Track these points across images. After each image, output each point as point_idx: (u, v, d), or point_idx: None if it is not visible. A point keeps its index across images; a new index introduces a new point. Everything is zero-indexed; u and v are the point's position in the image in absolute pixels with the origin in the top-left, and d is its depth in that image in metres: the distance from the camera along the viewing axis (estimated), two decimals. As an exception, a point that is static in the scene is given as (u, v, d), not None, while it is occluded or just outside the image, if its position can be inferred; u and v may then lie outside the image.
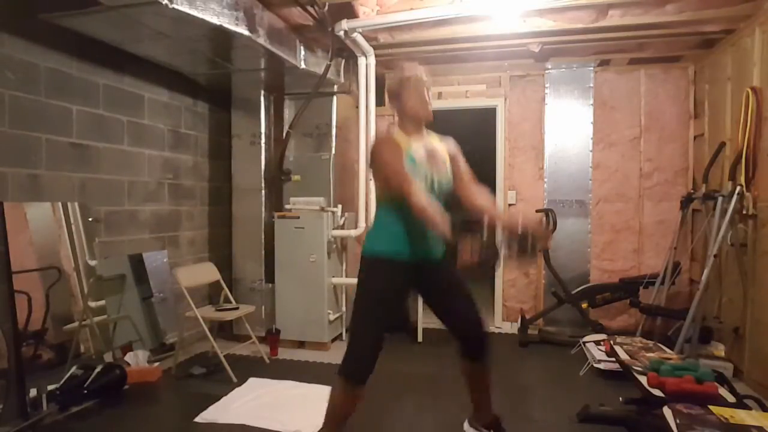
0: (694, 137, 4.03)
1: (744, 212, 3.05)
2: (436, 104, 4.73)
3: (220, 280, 3.55)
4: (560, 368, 3.38)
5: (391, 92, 2.02)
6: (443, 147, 2.03)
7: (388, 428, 2.50)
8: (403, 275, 1.93)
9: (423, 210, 1.73)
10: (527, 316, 4.09)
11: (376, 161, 1.92)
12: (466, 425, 2.25)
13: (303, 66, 3.53)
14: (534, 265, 4.35)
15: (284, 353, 3.68)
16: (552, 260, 4.00)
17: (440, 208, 1.86)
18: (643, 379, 2.32)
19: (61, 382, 2.62)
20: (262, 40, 2.99)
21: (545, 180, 4.26)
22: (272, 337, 3.68)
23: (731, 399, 2.15)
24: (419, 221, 1.81)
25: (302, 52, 3.52)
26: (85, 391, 2.64)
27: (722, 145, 3.44)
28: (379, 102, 4.37)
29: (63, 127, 2.85)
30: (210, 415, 2.59)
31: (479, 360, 2.08)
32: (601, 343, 3.27)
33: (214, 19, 2.60)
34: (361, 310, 1.93)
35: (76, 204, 2.93)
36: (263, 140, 4.00)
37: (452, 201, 1.98)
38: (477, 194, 1.99)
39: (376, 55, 3.80)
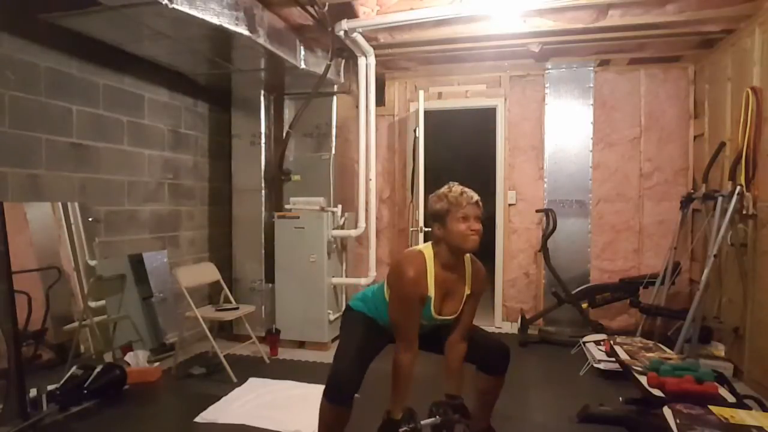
0: (694, 137, 4.03)
1: (744, 212, 3.05)
2: (436, 104, 4.77)
3: (220, 280, 3.55)
4: (560, 368, 3.38)
5: (434, 214, 1.81)
6: (470, 281, 1.90)
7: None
8: (385, 332, 1.96)
9: (398, 372, 1.78)
10: (527, 316, 4.09)
11: (396, 285, 1.82)
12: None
13: (303, 66, 3.53)
14: (534, 265, 4.35)
15: (284, 353, 3.68)
16: (552, 260, 4.00)
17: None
18: (643, 379, 2.32)
19: (61, 382, 2.62)
20: (262, 40, 2.99)
21: (545, 180, 4.26)
22: (272, 337, 3.68)
23: (731, 399, 2.15)
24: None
25: (302, 52, 3.52)
26: (85, 391, 2.64)
27: (722, 145, 3.44)
28: (379, 102, 4.37)
29: (63, 127, 2.85)
30: (210, 415, 2.59)
31: (499, 375, 2.03)
32: (601, 343, 3.26)
33: (214, 19, 2.60)
34: (345, 340, 1.97)
35: (76, 204, 2.93)
36: (263, 140, 4.00)
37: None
38: (456, 347, 1.94)
39: (376, 55, 3.80)
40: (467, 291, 1.90)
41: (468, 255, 1.90)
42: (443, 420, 1.78)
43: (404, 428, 1.72)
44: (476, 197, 1.80)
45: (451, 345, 1.94)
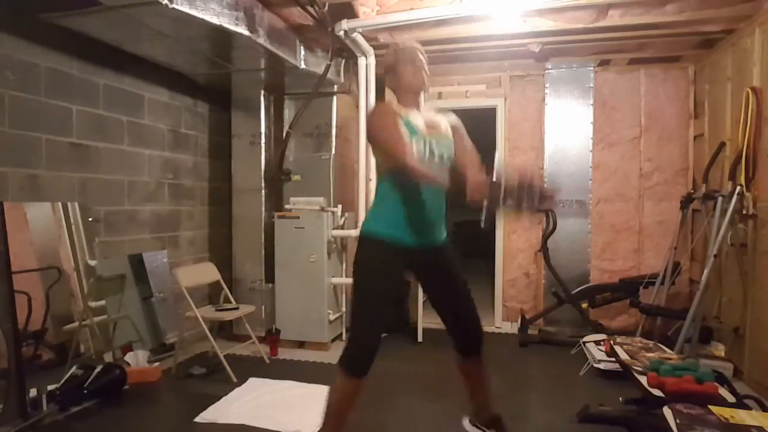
0: (694, 137, 4.03)
1: (744, 212, 3.05)
2: (436, 104, 4.75)
3: (220, 280, 3.55)
4: (560, 368, 3.37)
5: (386, 67, 1.99)
6: (444, 120, 2.00)
7: (388, 428, 2.50)
8: (402, 258, 1.88)
9: (415, 169, 1.71)
10: (527, 316, 4.09)
11: (371, 129, 1.90)
12: (466, 424, 2.21)
13: (303, 66, 3.53)
14: (534, 265, 4.35)
15: (284, 353, 3.68)
16: (552, 260, 4.00)
17: (442, 177, 1.84)
18: (643, 379, 2.32)
19: (61, 382, 2.62)
20: (262, 40, 2.99)
21: (545, 180, 4.26)
22: (272, 337, 3.68)
23: (731, 399, 2.15)
24: (419, 198, 1.81)
25: (302, 52, 3.52)
26: (85, 391, 2.64)
27: (722, 145, 3.44)
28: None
29: (63, 127, 2.85)
30: (210, 415, 2.59)
31: (475, 356, 2.05)
32: (601, 343, 3.26)
33: (214, 19, 2.60)
34: (361, 297, 1.88)
35: (76, 204, 2.93)
36: (263, 140, 4.00)
37: (454, 175, 1.90)
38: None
39: (376, 55, 3.80)
40: (445, 125, 1.98)
41: (433, 109, 2.04)
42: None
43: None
44: (419, 45, 1.98)
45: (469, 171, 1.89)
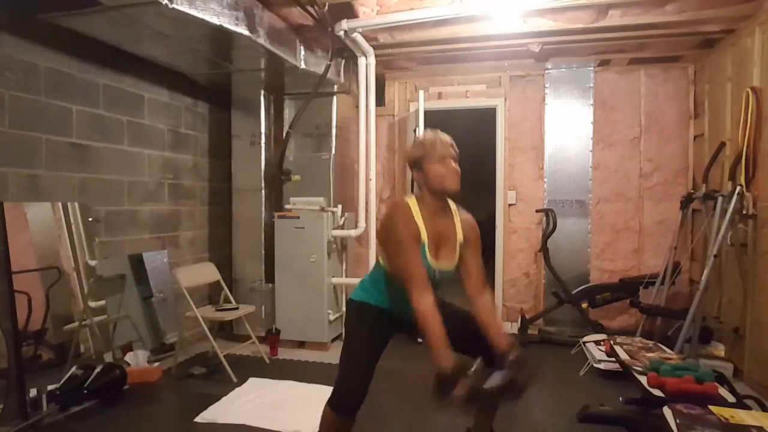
0: (694, 137, 4.03)
1: (744, 212, 3.05)
2: (436, 104, 4.76)
3: (220, 280, 3.55)
4: (560, 368, 3.37)
5: (412, 161, 1.84)
6: (460, 227, 1.87)
7: (388, 428, 2.50)
8: (390, 321, 1.90)
9: (424, 320, 1.63)
10: (527, 316, 4.09)
11: (389, 236, 1.78)
12: None
13: (303, 66, 3.53)
14: (534, 265, 4.35)
15: (284, 353, 3.68)
16: (552, 260, 4.00)
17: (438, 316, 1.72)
18: (643, 379, 2.32)
19: (61, 382, 2.62)
20: (262, 40, 3.00)
21: (545, 180, 4.26)
22: (272, 337, 3.68)
23: (731, 399, 2.15)
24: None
25: (302, 52, 3.52)
26: (85, 391, 2.64)
27: (722, 145, 3.44)
28: (379, 102, 4.37)
29: (63, 127, 2.85)
30: (210, 415, 2.59)
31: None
32: (601, 343, 3.27)
33: (214, 19, 2.60)
34: (349, 350, 1.89)
35: (76, 204, 2.93)
36: (263, 140, 4.00)
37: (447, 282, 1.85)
38: (480, 300, 1.84)
39: (376, 55, 3.80)
40: (460, 238, 1.87)
41: (454, 205, 1.91)
42: (514, 375, 1.55)
43: (470, 374, 1.49)
44: (450, 139, 1.83)
45: (473, 300, 1.85)
